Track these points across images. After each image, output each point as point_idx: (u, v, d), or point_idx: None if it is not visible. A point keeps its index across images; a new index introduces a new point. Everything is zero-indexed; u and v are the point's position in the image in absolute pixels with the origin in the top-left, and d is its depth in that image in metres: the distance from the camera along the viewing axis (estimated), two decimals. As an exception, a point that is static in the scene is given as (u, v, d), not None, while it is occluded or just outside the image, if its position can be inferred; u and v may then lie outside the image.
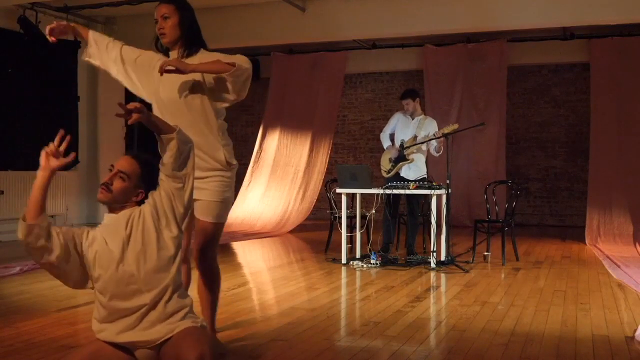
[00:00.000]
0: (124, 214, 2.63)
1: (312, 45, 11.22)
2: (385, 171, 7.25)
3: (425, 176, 7.15)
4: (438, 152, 7.13)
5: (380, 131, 7.61)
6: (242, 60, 3.21)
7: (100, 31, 9.88)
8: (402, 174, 7.10)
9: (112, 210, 2.66)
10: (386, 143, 7.41)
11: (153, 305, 2.57)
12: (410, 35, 10.41)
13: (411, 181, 6.83)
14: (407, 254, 7.01)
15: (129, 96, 12.71)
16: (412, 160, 7.08)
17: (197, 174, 3.07)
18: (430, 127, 7.20)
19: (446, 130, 6.83)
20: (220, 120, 3.39)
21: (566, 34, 10.34)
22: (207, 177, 3.30)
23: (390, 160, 7.22)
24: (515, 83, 11.49)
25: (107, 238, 2.61)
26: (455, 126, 7.03)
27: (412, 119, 7.24)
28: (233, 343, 3.68)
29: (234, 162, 3.40)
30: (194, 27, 3.36)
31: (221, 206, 3.35)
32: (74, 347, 3.60)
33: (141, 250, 2.58)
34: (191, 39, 3.33)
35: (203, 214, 3.33)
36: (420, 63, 11.54)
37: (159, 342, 2.57)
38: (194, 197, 3.13)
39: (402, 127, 7.29)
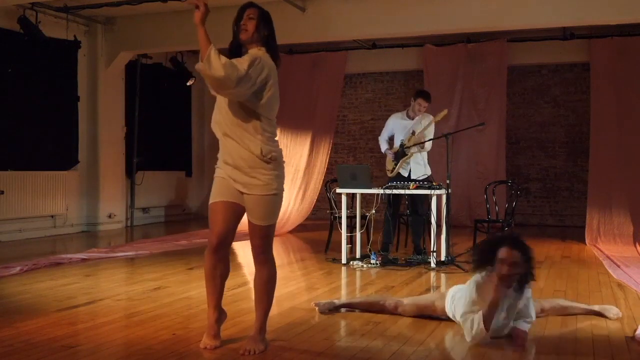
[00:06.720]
0: None
1: (312, 45, 11.22)
2: (389, 170, 7.27)
3: (428, 175, 7.15)
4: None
5: (380, 132, 7.59)
6: (215, 65, 3.24)
7: (100, 31, 10.03)
8: (412, 175, 7.11)
9: None
10: (384, 147, 7.42)
11: None
12: (410, 35, 10.40)
13: (413, 181, 6.83)
14: (415, 253, 7.01)
15: (129, 97, 12.59)
16: (412, 155, 7.09)
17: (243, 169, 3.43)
18: (426, 120, 7.23)
19: (437, 118, 6.95)
20: (255, 121, 3.45)
21: (566, 34, 10.34)
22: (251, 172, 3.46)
23: (392, 160, 7.23)
24: (515, 83, 11.50)
25: None
26: (444, 112, 7.10)
27: (412, 120, 7.24)
28: (233, 343, 3.68)
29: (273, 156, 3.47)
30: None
31: (270, 202, 3.48)
32: (73, 347, 3.61)
33: None
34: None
35: (254, 217, 3.49)
36: (420, 63, 11.53)
37: None
38: (244, 190, 3.43)
39: (400, 129, 7.28)
